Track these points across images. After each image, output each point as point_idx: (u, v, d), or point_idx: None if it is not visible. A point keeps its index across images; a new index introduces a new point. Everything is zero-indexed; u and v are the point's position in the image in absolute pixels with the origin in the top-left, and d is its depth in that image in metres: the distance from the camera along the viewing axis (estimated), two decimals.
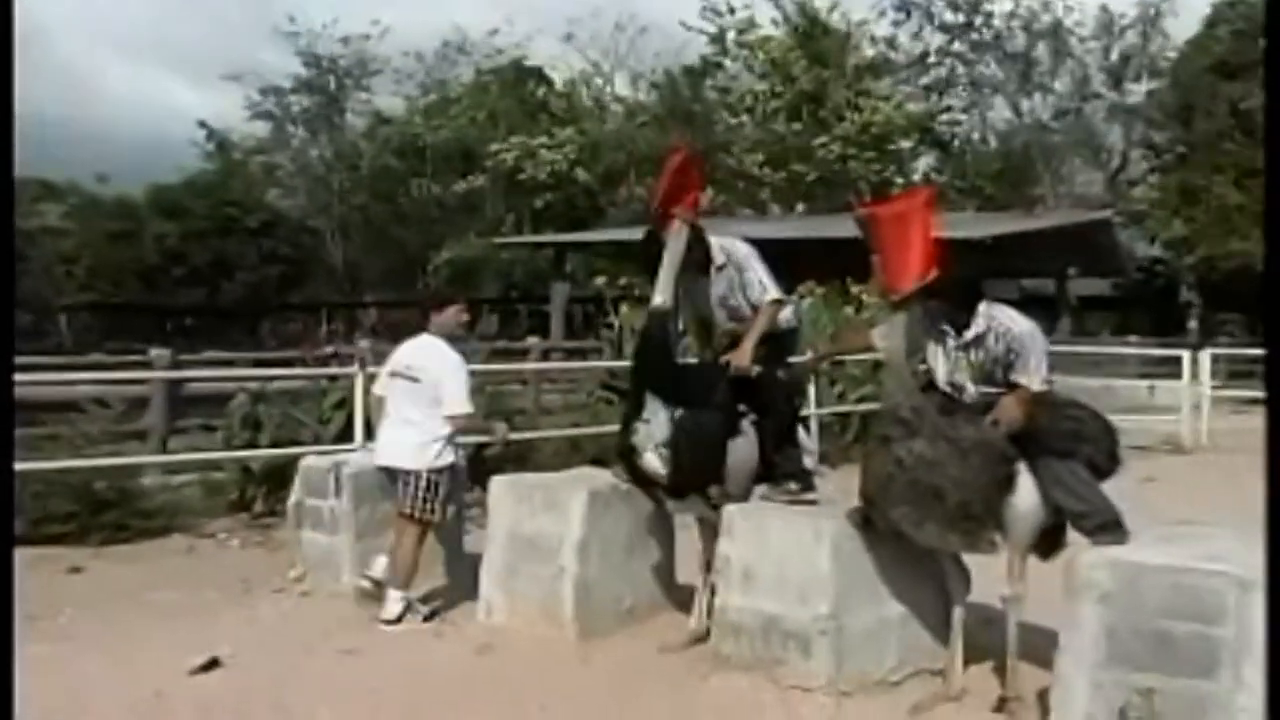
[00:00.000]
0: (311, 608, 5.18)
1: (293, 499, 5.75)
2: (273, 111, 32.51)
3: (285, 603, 5.27)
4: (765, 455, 4.36)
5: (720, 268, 4.43)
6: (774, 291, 4.39)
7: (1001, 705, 3.69)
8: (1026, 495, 3.64)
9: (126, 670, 4.20)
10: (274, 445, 7.23)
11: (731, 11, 28.13)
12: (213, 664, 4.21)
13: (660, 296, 4.23)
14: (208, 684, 4.10)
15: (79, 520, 6.37)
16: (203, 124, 32.55)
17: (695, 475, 4.25)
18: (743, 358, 4.26)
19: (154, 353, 9.79)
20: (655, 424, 4.19)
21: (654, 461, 4.20)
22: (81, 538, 6.32)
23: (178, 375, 9.38)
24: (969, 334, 3.80)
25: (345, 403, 7.27)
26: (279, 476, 6.72)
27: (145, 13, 48.53)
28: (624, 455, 4.32)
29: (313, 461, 5.83)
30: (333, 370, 8.85)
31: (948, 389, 3.83)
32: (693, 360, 4.56)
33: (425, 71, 32.67)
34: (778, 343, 4.48)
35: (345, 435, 7.01)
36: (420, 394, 4.91)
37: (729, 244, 4.48)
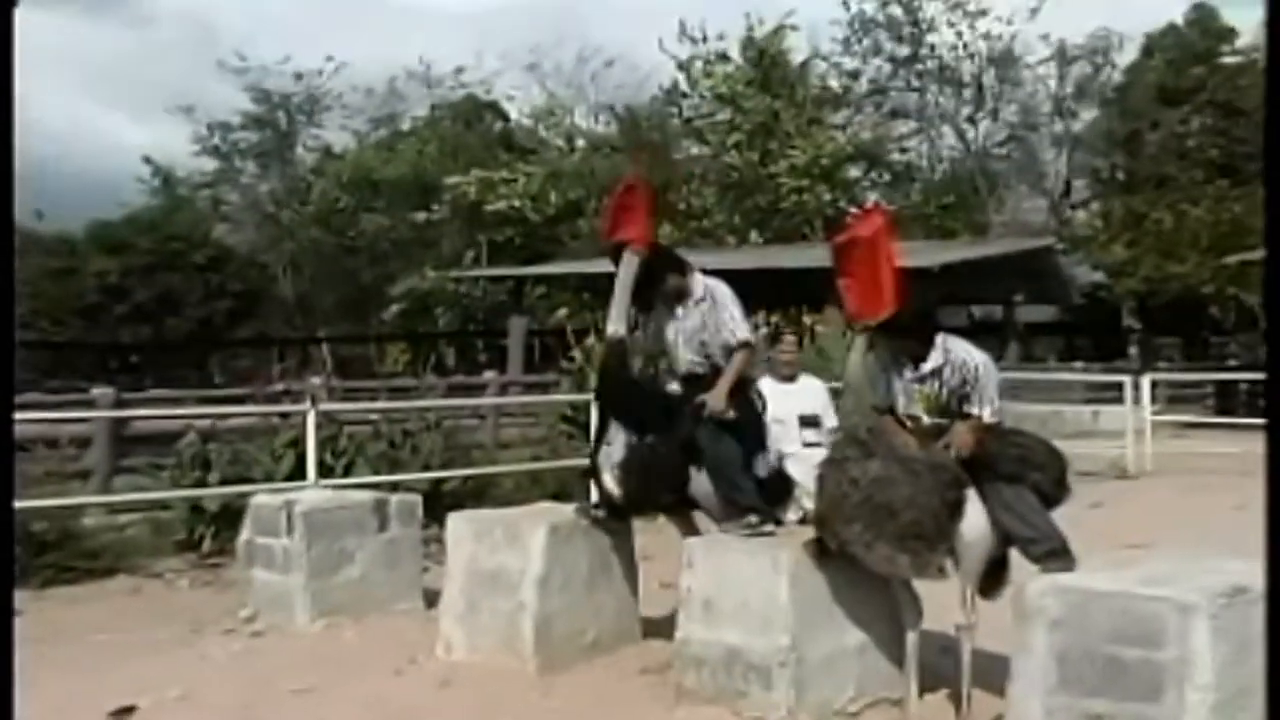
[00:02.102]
0: (264, 647, 5.09)
1: (243, 537, 5.66)
2: (219, 147, 32.22)
3: (236, 643, 5.16)
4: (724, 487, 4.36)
5: (699, 301, 4.46)
6: (744, 334, 4.43)
7: None
8: (976, 521, 3.69)
9: (70, 713, 4.07)
10: (224, 483, 7.11)
11: (705, 40, 28.52)
12: (128, 710, 4.09)
13: (614, 326, 4.30)
14: None
15: (18, 562, 6.18)
16: (148, 159, 32.18)
17: (646, 498, 4.45)
18: (718, 400, 4.28)
19: (96, 391, 9.61)
20: (615, 447, 4.37)
21: (609, 482, 4.41)
22: (22, 579, 6.14)
23: (121, 414, 9.19)
24: (926, 367, 3.87)
25: (297, 440, 7.17)
26: (229, 515, 6.61)
27: (84, 47, 47.85)
28: (592, 475, 4.53)
29: (264, 500, 5.75)
30: (285, 407, 8.74)
31: (904, 418, 3.89)
32: (662, 387, 4.60)
33: (376, 106, 32.63)
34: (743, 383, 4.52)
35: (298, 473, 6.91)
36: None
37: (713, 283, 4.52)
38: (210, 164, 32.61)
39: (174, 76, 44.86)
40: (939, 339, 3.87)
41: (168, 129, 46.12)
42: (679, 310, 4.47)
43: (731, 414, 4.28)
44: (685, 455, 4.34)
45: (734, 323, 4.41)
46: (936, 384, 3.86)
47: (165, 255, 29.49)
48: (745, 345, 4.41)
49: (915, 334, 3.82)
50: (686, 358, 4.49)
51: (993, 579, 3.85)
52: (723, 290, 4.49)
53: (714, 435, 4.30)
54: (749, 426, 4.40)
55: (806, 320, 12.57)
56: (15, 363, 4.30)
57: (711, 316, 4.43)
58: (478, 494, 8.13)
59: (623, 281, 4.31)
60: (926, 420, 3.87)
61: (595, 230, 26.55)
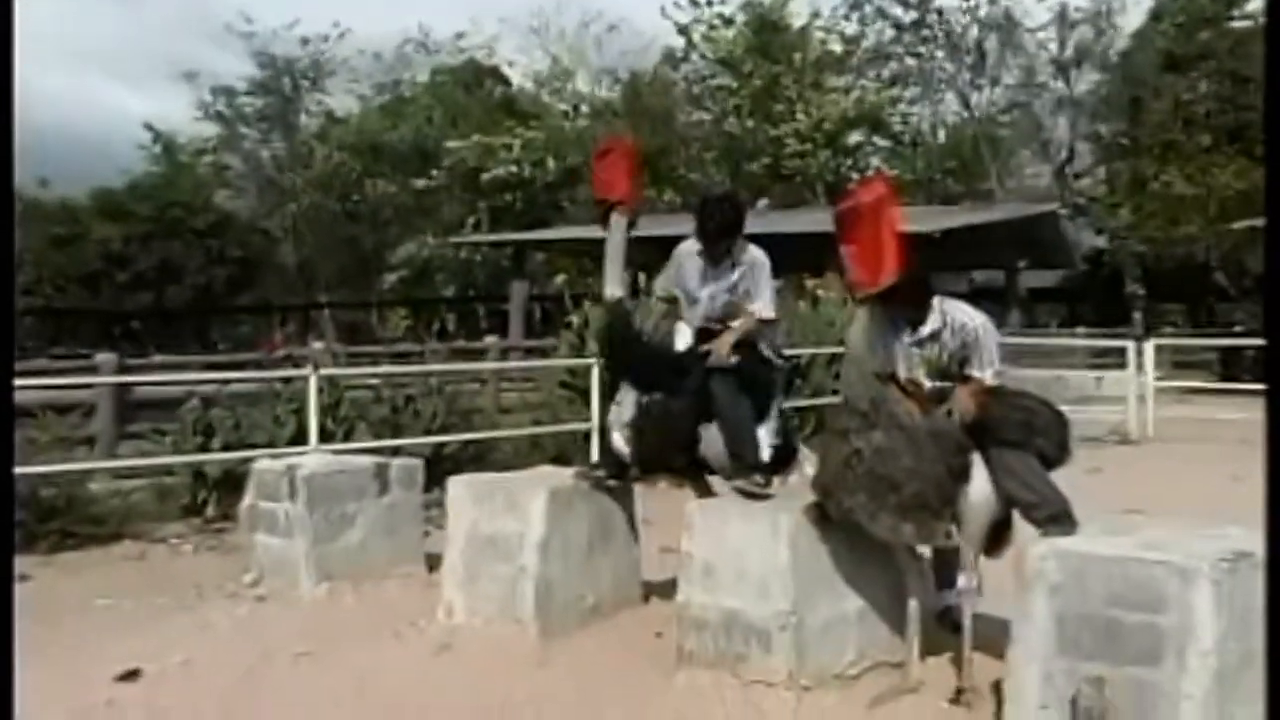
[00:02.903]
0: (267, 612, 5.12)
1: (246, 503, 5.68)
2: (223, 113, 32.03)
3: (240, 608, 5.19)
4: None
5: (737, 264, 4.44)
6: (768, 312, 4.44)
7: (958, 696, 3.74)
8: (980, 486, 3.69)
9: (77, 679, 4.13)
10: (227, 449, 7.14)
11: (709, 3, 28.17)
12: (133, 674, 4.13)
13: (610, 288, 4.28)
14: (161, 691, 4.05)
15: (25, 528, 6.24)
16: (148, 126, 31.99)
17: (657, 457, 4.44)
18: (723, 348, 4.30)
19: (99, 357, 9.62)
20: (625, 406, 4.37)
21: (619, 440, 4.41)
22: (28, 545, 6.19)
23: (124, 380, 9.21)
24: (924, 330, 3.85)
25: (300, 406, 7.18)
26: (232, 481, 6.64)
27: (85, 14, 47.37)
28: (603, 434, 4.60)
29: (266, 465, 5.76)
30: (287, 372, 8.75)
31: (906, 383, 3.87)
32: (670, 344, 4.58)
33: (382, 71, 32.40)
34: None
35: (300, 438, 6.92)
36: None
37: (760, 254, 4.52)
38: (212, 130, 32.47)
39: (177, 43, 44.50)
40: (936, 302, 3.85)
41: (170, 96, 45.93)
42: (712, 267, 4.44)
43: (734, 360, 4.27)
44: (696, 414, 4.33)
45: (762, 296, 4.43)
46: (936, 347, 3.84)
47: (167, 222, 29.44)
48: (761, 320, 4.43)
49: (912, 298, 3.79)
50: (707, 313, 4.48)
51: (996, 538, 3.85)
52: (766, 264, 4.50)
53: (727, 388, 4.30)
54: (760, 383, 4.39)
55: (808, 285, 12.52)
56: (14, 364, 4.30)
57: (747, 282, 4.43)
58: (478, 458, 8.16)
59: (613, 243, 4.29)
60: (928, 384, 3.85)
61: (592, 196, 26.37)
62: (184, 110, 32.01)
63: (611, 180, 4.34)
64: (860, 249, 3.65)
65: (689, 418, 4.32)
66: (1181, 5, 26.74)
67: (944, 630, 4.03)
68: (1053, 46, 28.85)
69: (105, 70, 49.95)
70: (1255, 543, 3.34)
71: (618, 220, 4.30)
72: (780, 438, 4.45)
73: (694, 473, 4.62)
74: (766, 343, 4.53)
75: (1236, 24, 26.52)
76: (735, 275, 4.44)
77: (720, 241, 4.40)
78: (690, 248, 4.55)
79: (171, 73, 37.28)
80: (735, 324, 4.38)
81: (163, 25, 42.43)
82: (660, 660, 4.11)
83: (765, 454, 4.36)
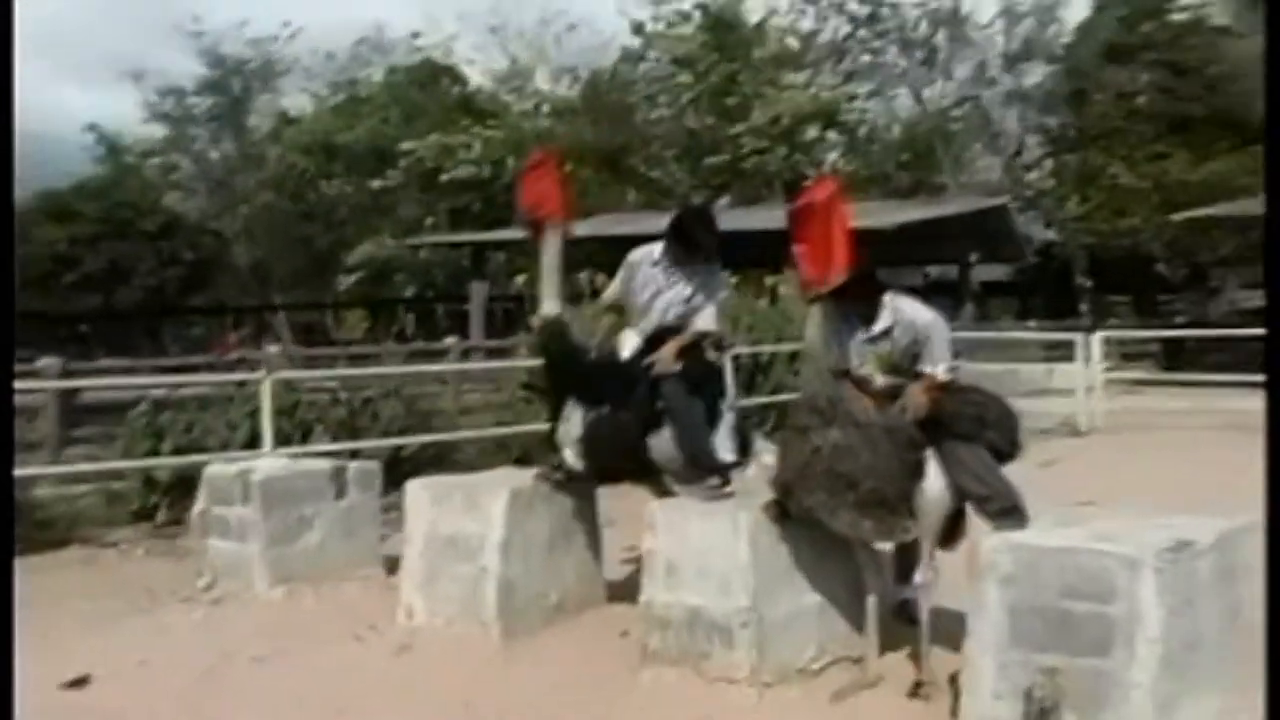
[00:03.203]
0: (223, 616, 5.07)
1: (198, 508, 5.60)
2: (171, 113, 31.47)
3: (195, 612, 5.14)
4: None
5: (696, 275, 4.43)
6: (711, 326, 4.46)
7: (916, 690, 3.80)
8: (935, 481, 3.74)
9: (27, 683, 4.01)
10: (178, 453, 7.01)
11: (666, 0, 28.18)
12: (81, 682, 4.05)
13: (548, 305, 4.27)
14: (118, 693, 3.97)
15: None
16: (92, 126, 31.33)
17: (610, 469, 4.46)
18: (665, 359, 4.33)
19: (42, 362, 9.39)
20: (572, 422, 4.37)
21: (571, 457, 4.42)
22: None
23: (69, 384, 9.00)
24: (876, 328, 3.91)
25: (254, 409, 7.08)
26: (184, 485, 6.54)
27: (29, 12, 46.04)
28: (553, 451, 4.55)
29: (218, 469, 5.69)
30: (240, 376, 8.61)
31: (860, 380, 3.91)
32: (613, 355, 4.59)
33: (335, 71, 32.00)
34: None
35: (254, 442, 6.82)
36: None
37: (721, 274, 4.57)
38: (160, 131, 31.87)
39: (124, 43, 43.51)
40: (888, 299, 3.91)
41: (116, 96, 44.89)
42: (669, 278, 4.44)
43: (678, 367, 4.30)
44: (644, 423, 4.35)
45: (708, 312, 4.44)
46: (888, 344, 3.90)
47: (114, 223, 28.84)
48: (703, 333, 4.44)
49: (864, 295, 3.85)
50: (657, 320, 4.48)
51: (951, 531, 3.91)
52: (724, 284, 4.60)
53: (678, 394, 4.33)
54: (707, 385, 4.42)
55: (768, 281, 12.58)
56: (13, 365, 4.21)
57: (701, 293, 4.43)
58: (439, 460, 8.10)
59: (549, 259, 4.30)
60: (881, 380, 3.90)
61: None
62: (131, 111, 31.43)
63: (542, 196, 4.33)
64: (811, 247, 3.69)
65: (637, 428, 4.34)
66: None
67: (902, 624, 4.07)
68: (1000, 40, 29.27)
69: (53, 66, 48.78)
70: (1199, 530, 3.43)
71: (552, 236, 4.30)
72: (737, 438, 4.47)
73: (649, 477, 4.63)
74: (711, 343, 4.55)
75: (1175, 16, 27.13)
76: (692, 287, 4.45)
77: (699, 259, 4.40)
78: (644, 256, 4.53)
79: (118, 72, 36.53)
80: (680, 335, 4.40)
81: (110, 24, 41.54)
82: (625, 659, 4.13)
83: (726, 455, 4.39)
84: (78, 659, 4.21)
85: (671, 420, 4.35)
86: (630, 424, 4.33)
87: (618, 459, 4.41)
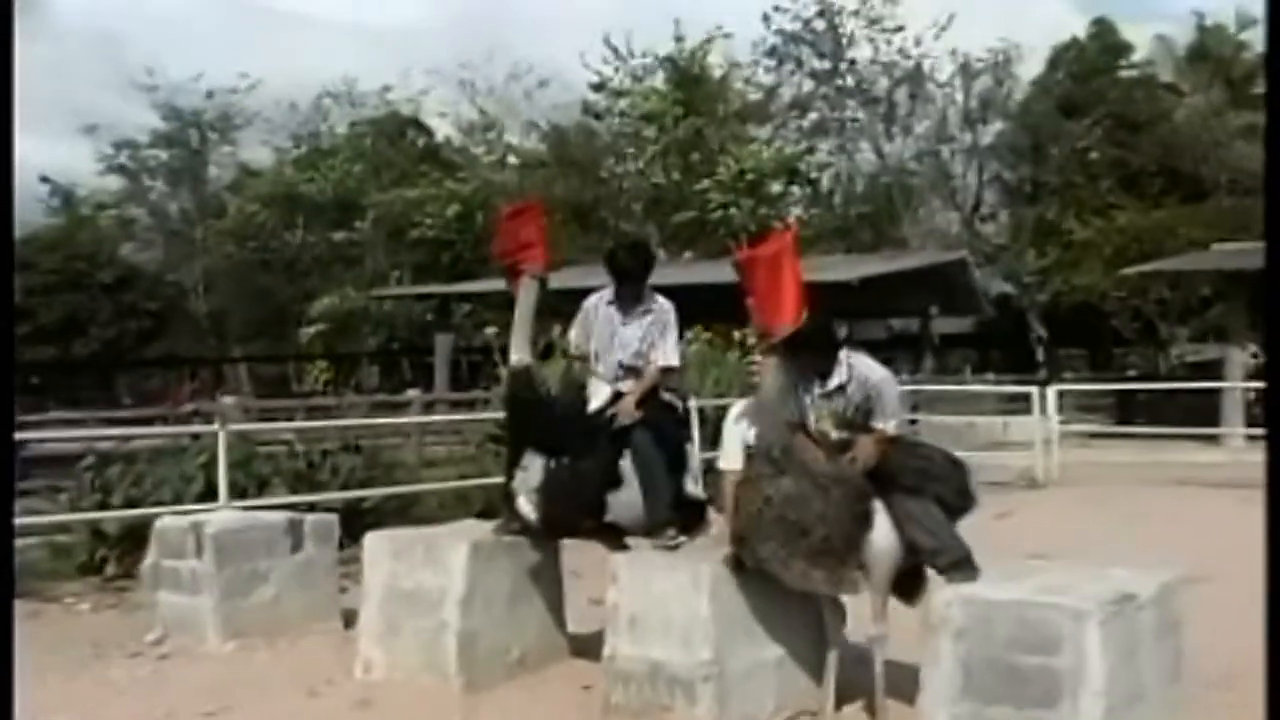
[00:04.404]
0: (171, 670, 4.95)
1: (148, 561, 5.48)
2: (127, 165, 31.28)
3: (142, 667, 5.02)
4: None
5: (647, 312, 4.55)
6: (671, 361, 4.53)
7: None
8: (883, 533, 3.78)
9: None
10: (130, 505, 6.85)
11: (631, 55, 28.64)
12: None
13: (517, 354, 4.29)
14: None
15: None
16: (45, 178, 31.06)
17: (564, 523, 4.41)
18: (628, 407, 4.37)
19: None
20: (531, 472, 4.32)
21: (525, 507, 4.36)
22: None
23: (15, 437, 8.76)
24: (832, 383, 3.97)
25: (209, 462, 6.96)
26: (134, 538, 6.39)
27: None
28: (507, 500, 4.47)
29: (170, 522, 5.60)
30: (195, 428, 8.48)
31: (813, 433, 3.96)
32: (577, 407, 4.61)
33: (298, 123, 32.02)
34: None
35: (209, 495, 6.70)
36: None
37: (667, 304, 4.62)
38: (116, 183, 31.66)
39: (77, 94, 43.24)
40: (843, 355, 3.99)
41: (69, 148, 44.47)
42: (623, 316, 4.54)
43: (639, 415, 4.34)
44: (604, 477, 4.34)
45: (665, 347, 4.51)
46: (842, 400, 3.98)
47: (69, 275, 28.46)
48: (664, 370, 4.51)
49: (819, 351, 3.92)
50: (617, 363, 4.55)
51: (911, 586, 3.94)
52: (668, 311, 4.59)
53: (644, 440, 4.37)
54: (669, 430, 4.46)
55: (737, 335, 12.67)
56: (14, 374, 4.10)
57: (656, 334, 4.52)
58: (401, 512, 8.00)
59: (524, 307, 4.32)
60: (833, 435, 3.96)
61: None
62: (84, 163, 31.14)
63: (521, 243, 4.35)
64: (762, 297, 3.75)
65: (596, 481, 4.33)
66: (1075, 54, 28.25)
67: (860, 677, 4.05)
68: (959, 97, 30.11)
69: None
70: (1143, 584, 3.49)
71: (529, 284, 4.32)
72: (699, 484, 4.48)
73: (603, 533, 4.60)
74: (672, 391, 4.61)
75: (1124, 73, 28.11)
76: (646, 322, 4.54)
77: (633, 285, 4.50)
78: (599, 299, 4.64)
79: (71, 125, 36.20)
80: (639, 382, 4.46)
81: (60, 76, 41.34)
82: (587, 713, 4.10)
83: (694, 490, 4.43)
84: (17, 714, 4.05)
85: (637, 464, 4.35)
86: (591, 476, 4.31)
87: (574, 511, 4.37)
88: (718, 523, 4.42)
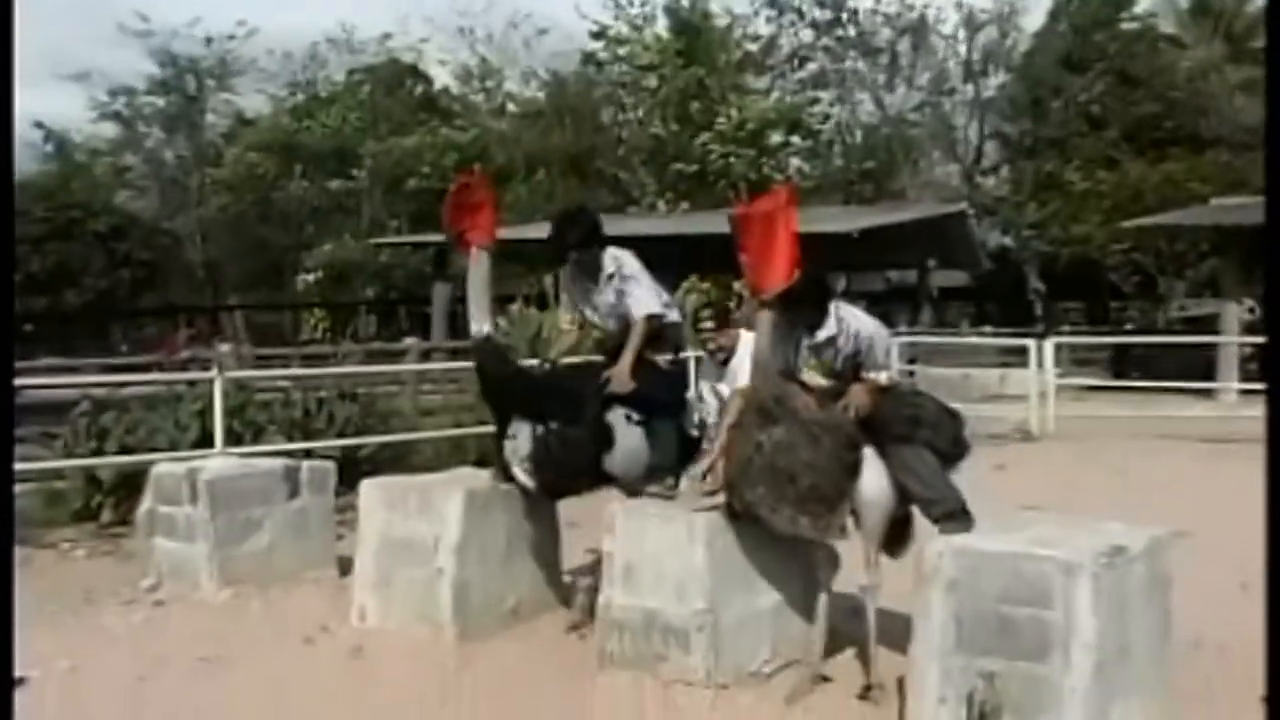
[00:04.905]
0: (167, 618, 4.97)
1: (144, 507, 5.49)
2: (122, 112, 30.83)
3: (136, 613, 5.03)
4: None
5: (610, 276, 4.49)
6: (650, 308, 4.45)
7: (865, 693, 3.83)
8: (874, 481, 3.78)
9: None
10: (125, 452, 6.85)
11: (631, 4, 28.19)
12: (18, 682, 3.92)
13: (476, 325, 4.28)
14: (44, 697, 3.89)
15: None
16: (39, 124, 30.64)
17: (560, 485, 4.41)
18: (621, 376, 4.32)
19: None
20: (520, 439, 4.31)
21: (521, 475, 4.35)
22: None
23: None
24: (821, 335, 3.96)
25: (204, 409, 6.94)
26: (129, 485, 6.38)
27: None
28: (502, 467, 4.48)
29: (165, 468, 5.59)
30: (190, 375, 8.44)
31: (804, 384, 3.96)
32: (559, 371, 4.60)
33: (294, 71, 31.60)
34: (660, 341, 4.55)
35: (204, 442, 6.69)
36: None
37: (622, 256, 4.53)
38: (110, 130, 31.29)
39: (66, 41, 42.42)
40: (833, 308, 3.97)
41: (60, 96, 43.74)
42: (593, 286, 4.51)
43: (631, 386, 4.30)
44: (597, 441, 4.30)
45: (636, 298, 4.44)
46: (832, 352, 3.97)
47: (62, 224, 28.16)
48: (647, 319, 4.44)
49: (810, 303, 3.89)
50: (611, 331, 4.55)
51: (897, 538, 3.96)
52: (629, 264, 4.50)
53: (638, 408, 4.35)
54: (664, 394, 4.45)
55: (736, 285, 12.63)
56: (14, 363, 4.06)
57: (623, 291, 4.47)
58: (398, 461, 8.03)
59: (477, 280, 4.30)
60: (824, 383, 3.96)
61: (519, 198, 26.28)
62: (76, 111, 30.81)
63: (468, 216, 4.31)
64: (755, 255, 3.72)
65: (590, 445, 4.29)
66: (1076, 7, 27.82)
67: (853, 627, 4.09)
68: (961, 49, 29.70)
69: None
70: (1134, 537, 3.50)
71: (478, 255, 4.30)
72: (695, 427, 4.48)
73: (604, 485, 4.57)
74: (669, 345, 4.56)
75: (1125, 26, 27.71)
76: (614, 285, 4.49)
77: (581, 254, 4.45)
78: (565, 275, 4.65)
79: (61, 72, 35.65)
80: (628, 345, 4.39)
81: (48, 21, 40.58)
82: (582, 662, 4.12)
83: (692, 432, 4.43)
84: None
85: (636, 433, 4.33)
86: (583, 441, 4.28)
87: (569, 476, 4.36)
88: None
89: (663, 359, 4.55)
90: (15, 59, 3.36)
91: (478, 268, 4.30)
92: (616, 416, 4.32)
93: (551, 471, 4.29)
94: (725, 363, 4.98)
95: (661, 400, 4.46)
